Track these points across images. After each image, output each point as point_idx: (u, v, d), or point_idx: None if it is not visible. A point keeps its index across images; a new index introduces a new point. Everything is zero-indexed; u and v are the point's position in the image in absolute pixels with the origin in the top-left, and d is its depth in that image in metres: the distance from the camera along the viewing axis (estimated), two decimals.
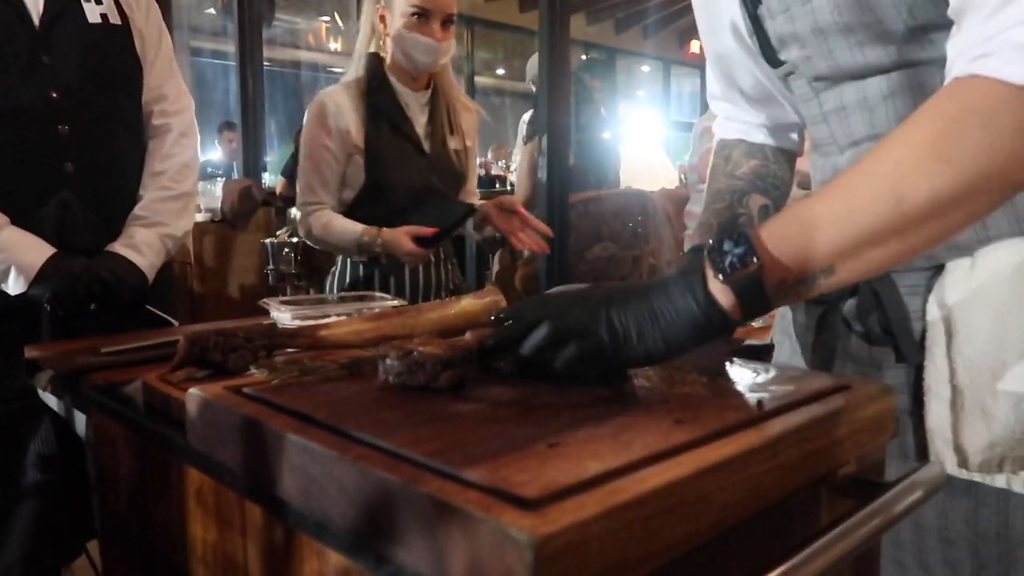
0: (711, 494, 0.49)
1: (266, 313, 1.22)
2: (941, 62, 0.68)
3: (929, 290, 0.76)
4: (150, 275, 1.49)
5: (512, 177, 5.85)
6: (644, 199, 3.38)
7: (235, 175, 5.51)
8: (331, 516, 0.52)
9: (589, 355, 0.65)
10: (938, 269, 0.76)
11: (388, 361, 0.66)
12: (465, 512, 0.42)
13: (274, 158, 6.80)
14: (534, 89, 3.63)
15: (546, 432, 0.53)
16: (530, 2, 9.32)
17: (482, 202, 1.91)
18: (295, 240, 4.20)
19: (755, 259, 0.62)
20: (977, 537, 0.75)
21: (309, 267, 4.35)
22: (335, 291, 1.94)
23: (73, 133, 1.41)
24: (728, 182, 0.99)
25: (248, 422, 0.59)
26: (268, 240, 4.17)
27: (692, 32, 9.59)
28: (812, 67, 0.81)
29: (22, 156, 1.38)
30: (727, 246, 0.62)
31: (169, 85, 1.60)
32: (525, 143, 3.61)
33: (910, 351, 0.78)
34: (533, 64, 3.70)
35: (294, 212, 4.98)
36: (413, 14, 1.79)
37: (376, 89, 1.86)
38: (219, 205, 4.15)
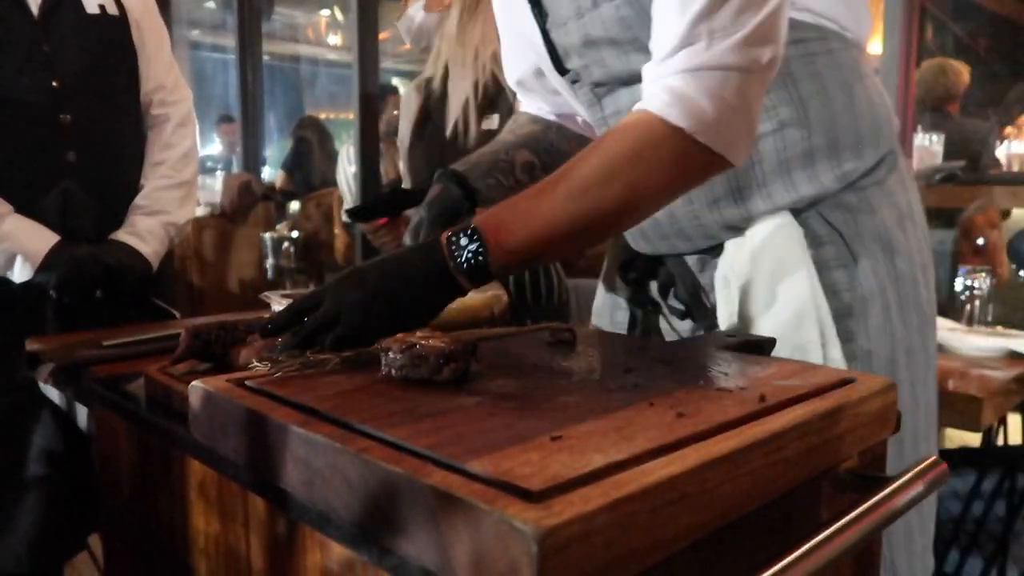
0: (714, 487, 0.49)
1: (267, 306, 1.22)
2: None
3: (713, 267, 0.94)
4: (154, 262, 1.50)
5: None
6: None
7: (234, 169, 5.51)
8: (334, 508, 0.52)
9: (351, 340, 0.71)
10: (718, 248, 0.93)
11: (391, 355, 0.66)
12: (469, 504, 0.42)
13: (273, 152, 6.78)
14: None
15: (549, 425, 0.53)
16: None
17: None
18: (294, 234, 4.20)
19: (482, 252, 0.72)
20: None
21: (308, 261, 4.35)
22: None
23: (74, 122, 1.42)
24: (505, 136, 1.15)
25: (251, 415, 0.59)
26: (267, 234, 4.16)
27: None
28: (590, 74, 0.94)
29: (25, 146, 1.39)
30: (464, 241, 0.72)
31: (167, 76, 1.61)
32: None
33: (701, 317, 0.97)
34: None
35: (293, 206, 4.99)
36: None
37: None
38: (218, 200, 4.15)
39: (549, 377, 0.67)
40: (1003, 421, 2.15)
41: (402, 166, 2.02)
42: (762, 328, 0.89)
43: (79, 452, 1.25)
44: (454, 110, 1.80)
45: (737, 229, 0.91)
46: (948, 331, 1.66)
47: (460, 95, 1.79)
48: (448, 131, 1.81)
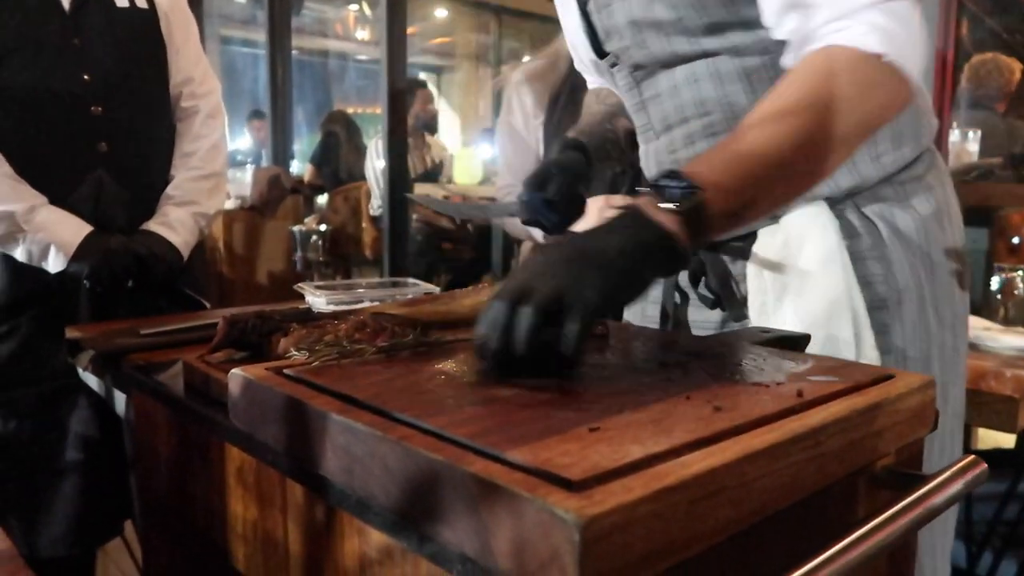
0: (753, 481, 0.49)
1: (299, 297, 1.23)
2: (732, 51, 0.87)
3: (745, 256, 0.93)
4: (184, 252, 1.52)
5: None
6: None
7: (264, 163, 5.56)
8: (374, 495, 0.52)
9: (590, 326, 0.61)
10: (751, 236, 0.92)
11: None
12: (511, 492, 0.43)
13: (302, 146, 6.84)
14: None
15: (586, 417, 0.53)
16: None
17: None
18: (323, 227, 4.24)
19: (694, 190, 0.67)
20: None
21: (335, 254, 4.39)
22: None
23: (106, 114, 1.44)
24: (599, 108, 1.15)
25: (291, 402, 0.60)
26: (296, 227, 4.20)
27: None
28: (630, 56, 0.94)
29: (57, 137, 1.41)
30: (665, 182, 0.67)
31: (196, 68, 1.63)
32: None
33: (732, 307, 0.95)
34: None
35: (321, 200, 5.02)
36: None
37: None
38: (248, 193, 4.19)
39: (584, 370, 0.67)
40: None
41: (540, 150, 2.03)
42: (794, 318, 0.88)
43: (115, 439, 1.28)
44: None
45: (772, 217, 0.90)
46: (983, 330, 1.63)
47: None
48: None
